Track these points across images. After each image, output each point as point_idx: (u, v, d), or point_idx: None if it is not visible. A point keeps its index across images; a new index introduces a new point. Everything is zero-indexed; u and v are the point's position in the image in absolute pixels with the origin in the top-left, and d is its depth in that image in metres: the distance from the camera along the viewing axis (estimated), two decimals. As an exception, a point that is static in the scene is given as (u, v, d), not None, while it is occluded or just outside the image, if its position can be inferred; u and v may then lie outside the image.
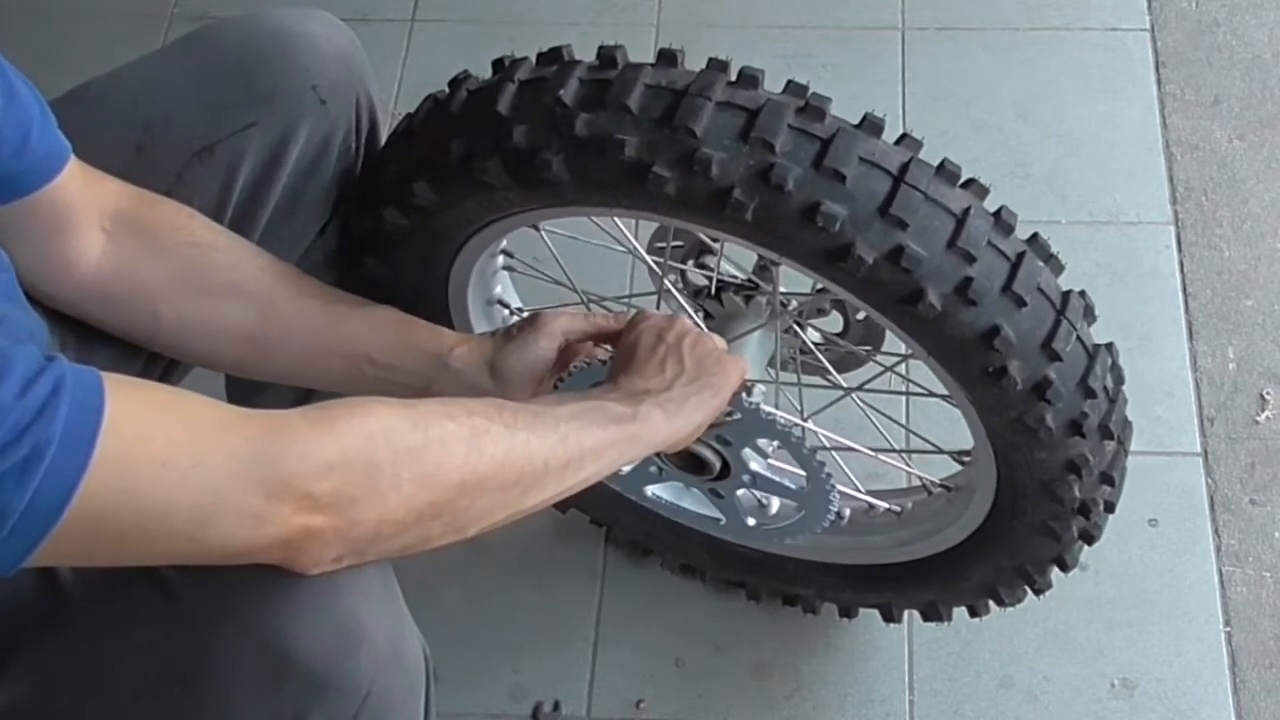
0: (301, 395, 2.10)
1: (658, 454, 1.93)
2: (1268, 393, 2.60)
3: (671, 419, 1.62)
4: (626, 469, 2.06)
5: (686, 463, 1.92)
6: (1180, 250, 2.78)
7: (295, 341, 1.79)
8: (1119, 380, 1.80)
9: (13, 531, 1.17)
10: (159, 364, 1.80)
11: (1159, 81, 3.00)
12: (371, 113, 1.89)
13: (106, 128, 1.64)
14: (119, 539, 1.25)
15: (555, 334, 1.82)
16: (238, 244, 1.76)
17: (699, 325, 1.79)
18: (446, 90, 1.77)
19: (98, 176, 1.66)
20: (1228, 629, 2.38)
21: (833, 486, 1.91)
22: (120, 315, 1.72)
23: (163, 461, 1.23)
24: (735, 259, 2.00)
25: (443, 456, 1.38)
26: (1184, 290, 2.73)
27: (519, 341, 1.81)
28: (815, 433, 2.06)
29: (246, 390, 2.11)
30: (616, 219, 1.90)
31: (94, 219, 1.65)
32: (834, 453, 2.08)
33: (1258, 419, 2.58)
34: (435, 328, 1.84)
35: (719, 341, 1.73)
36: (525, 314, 2.09)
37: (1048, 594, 2.09)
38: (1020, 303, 1.63)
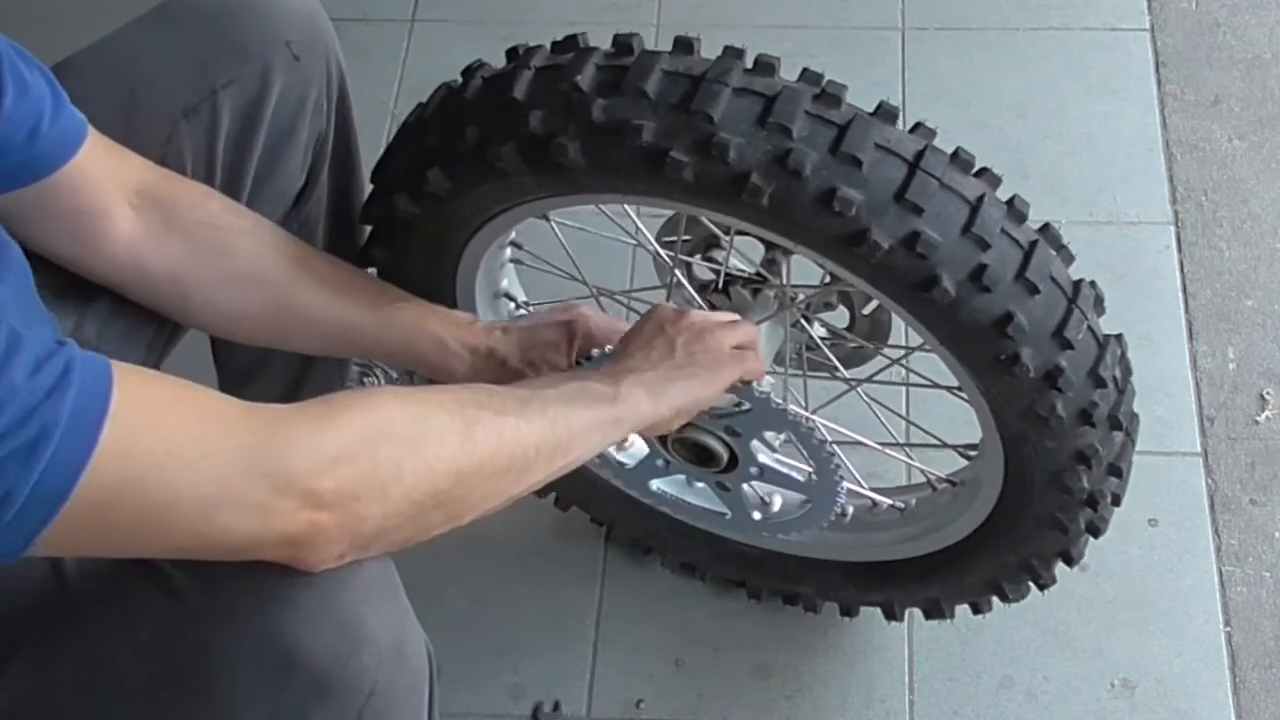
0: (291, 386, 2.12)
1: (664, 446, 1.93)
2: (1268, 393, 2.61)
3: (653, 398, 1.64)
4: (630, 462, 2.06)
5: (694, 454, 1.92)
6: (1180, 250, 2.78)
7: (313, 330, 1.83)
8: (1127, 372, 1.81)
9: (17, 515, 1.17)
10: (162, 336, 1.83)
11: (1159, 81, 3.00)
12: (341, 80, 1.92)
13: (91, 96, 1.64)
14: (123, 528, 1.25)
15: (570, 315, 1.86)
16: (256, 226, 1.79)
17: (714, 316, 1.79)
18: (460, 79, 1.77)
19: (118, 151, 1.68)
20: (1228, 629, 2.38)
21: (840, 479, 1.91)
22: (153, 294, 1.75)
23: (169, 451, 1.24)
24: (743, 252, 2.00)
25: (440, 448, 1.39)
26: (1184, 290, 2.73)
27: (532, 319, 1.89)
28: (821, 425, 2.06)
29: (238, 379, 2.13)
30: (627, 208, 1.90)
31: (120, 194, 1.67)
32: (838, 448, 2.07)
33: (1258, 419, 2.58)
34: (449, 322, 1.87)
35: (732, 337, 1.74)
36: (531, 308, 2.10)
37: (1048, 594, 2.09)
38: (1033, 290, 1.64)
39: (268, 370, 2.13)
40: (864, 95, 1.73)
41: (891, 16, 3.13)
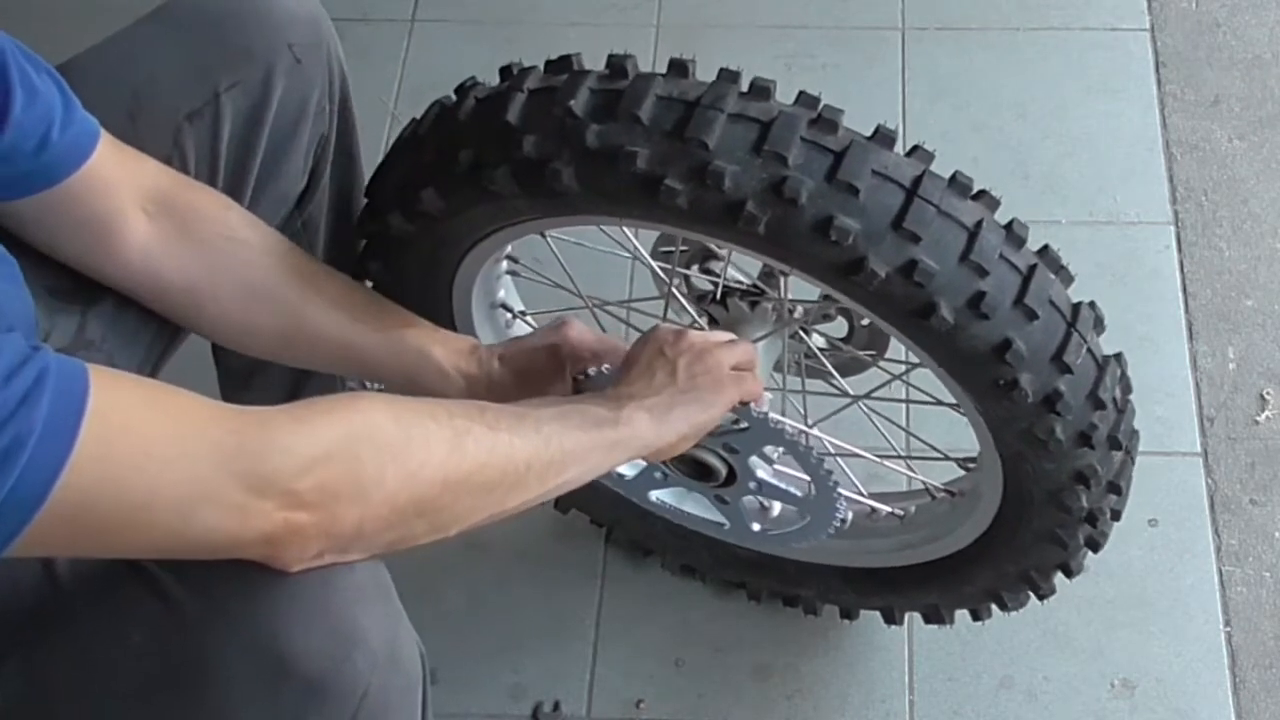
0: (291, 389, 2.12)
1: (663, 460, 1.93)
2: (1268, 393, 2.61)
3: (657, 424, 1.63)
4: (629, 473, 2.06)
5: (692, 469, 1.92)
6: (1180, 250, 2.78)
7: (320, 349, 1.83)
8: (1127, 390, 1.80)
9: None
10: (164, 337, 1.83)
11: (1159, 81, 3.00)
12: (343, 82, 1.92)
13: (94, 99, 1.63)
14: (102, 530, 1.25)
15: (556, 337, 1.85)
16: (274, 242, 1.79)
17: (712, 337, 1.78)
18: (454, 97, 1.77)
19: (133, 156, 1.68)
20: (1228, 629, 2.39)
21: (839, 495, 1.91)
22: (166, 301, 1.75)
23: (146, 453, 1.24)
24: (741, 265, 2.00)
25: (426, 456, 1.39)
26: (1184, 290, 2.73)
27: (523, 342, 1.87)
28: (820, 438, 2.05)
29: (238, 380, 2.13)
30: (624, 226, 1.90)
31: (134, 200, 1.67)
32: (838, 459, 2.07)
33: (1258, 419, 2.58)
34: (451, 349, 1.86)
35: (731, 357, 1.73)
36: (529, 317, 2.10)
37: (1047, 594, 2.09)
38: (1032, 316, 1.63)
39: (268, 373, 2.13)
40: (864, 96, 1.73)
41: (891, 16, 3.12)
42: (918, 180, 1.60)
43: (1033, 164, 2.89)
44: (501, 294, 2.09)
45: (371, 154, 1.93)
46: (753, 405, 1.76)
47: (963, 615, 2.20)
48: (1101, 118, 2.96)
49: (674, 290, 1.99)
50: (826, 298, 1.91)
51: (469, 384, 1.84)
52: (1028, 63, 3.05)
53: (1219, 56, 3.03)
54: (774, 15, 3.12)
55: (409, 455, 1.38)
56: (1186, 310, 2.71)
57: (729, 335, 1.80)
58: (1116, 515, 1.90)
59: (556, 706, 2.36)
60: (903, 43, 3.07)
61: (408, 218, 1.80)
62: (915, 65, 3.04)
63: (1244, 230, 2.80)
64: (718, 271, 1.99)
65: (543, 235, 1.92)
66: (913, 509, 2.14)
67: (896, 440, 2.29)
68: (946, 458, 2.07)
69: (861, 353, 2.02)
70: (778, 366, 2.03)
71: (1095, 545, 1.92)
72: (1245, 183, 2.86)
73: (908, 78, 3.01)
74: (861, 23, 3.11)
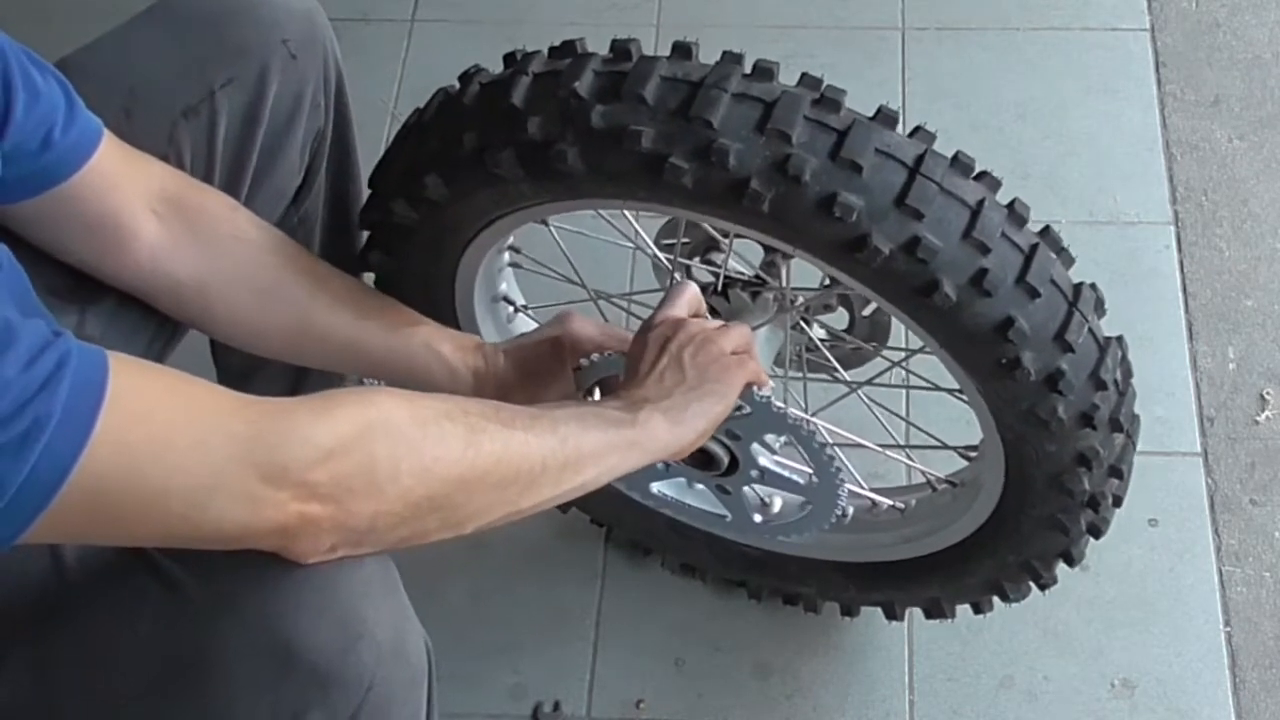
0: (294, 382, 2.12)
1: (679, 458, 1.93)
2: (1268, 393, 2.61)
3: (674, 425, 1.62)
4: (631, 469, 2.06)
5: (695, 457, 1.91)
6: (1180, 250, 2.78)
7: (329, 348, 1.84)
8: (1128, 373, 1.80)
9: (9, 505, 1.18)
10: (163, 336, 1.83)
11: (1159, 81, 3.00)
12: (339, 77, 1.93)
13: (90, 96, 1.63)
14: (117, 517, 1.25)
15: (556, 330, 1.86)
16: (281, 243, 1.80)
17: (708, 323, 1.78)
18: (458, 84, 1.77)
19: (139, 156, 1.68)
20: (1228, 629, 2.38)
21: (841, 482, 1.91)
22: (176, 301, 1.75)
23: (163, 441, 1.24)
24: (742, 255, 2.00)
25: (441, 451, 1.39)
26: (1184, 290, 2.73)
27: (526, 338, 1.88)
28: (822, 429, 2.05)
29: (236, 379, 2.13)
30: (626, 213, 1.90)
31: (141, 200, 1.67)
32: (839, 449, 2.07)
33: (1258, 419, 2.58)
34: (457, 346, 1.87)
35: (730, 342, 1.73)
36: (529, 311, 2.10)
37: (1048, 594, 2.09)
38: (1034, 294, 1.64)
39: (267, 370, 2.13)
40: (864, 96, 1.73)
41: (891, 16, 3.13)
42: (920, 159, 1.61)
43: (1033, 164, 2.90)
44: (503, 287, 2.09)
45: (371, 154, 1.93)
46: (755, 389, 1.76)
47: (963, 614, 2.20)
48: (1101, 118, 2.96)
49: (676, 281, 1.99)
50: (828, 287, 1.91)
51: (476, 379, 1.84)
52: (1028, 63, 3.06)
53: (1219, 56, 3.04)
54: (774, 15, 3.14)
55: (424, 450, 1.37)
56: (1186, 310, 2.71)
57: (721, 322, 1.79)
58: (1118, 501, 1.90)
59: (556, 706, 2.36)
60: (903, 43, 3.08)
61: (412, 204, 1.80)
62: (915, 65, 3.05)
63: (1244, 230, 2.80)
64: (719, 263, 1.99)
65: (545, 223, 1.92)
66: (914, 502, 2.14)
67: (897, 431, 2.29)
68: (947, 446, 2.06)
69: (863, 344, 2.02)
70: (779, 360, 2.03)
71: (1097, 531, 1.92)
72: (1245, 183, 2.86)
73: (908, 78, 3.03)
74: (861, 23, 3.12)
